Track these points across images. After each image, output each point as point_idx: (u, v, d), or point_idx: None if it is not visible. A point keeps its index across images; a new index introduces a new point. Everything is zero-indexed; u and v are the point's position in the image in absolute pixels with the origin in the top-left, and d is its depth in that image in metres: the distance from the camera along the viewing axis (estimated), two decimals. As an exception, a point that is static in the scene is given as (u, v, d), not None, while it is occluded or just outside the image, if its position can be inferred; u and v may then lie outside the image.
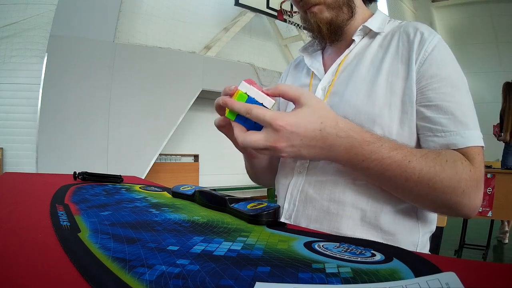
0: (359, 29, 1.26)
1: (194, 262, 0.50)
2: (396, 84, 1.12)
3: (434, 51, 1.11)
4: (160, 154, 7.53)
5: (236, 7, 8.12)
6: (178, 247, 0.57)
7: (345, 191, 1.10)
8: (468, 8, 11.38)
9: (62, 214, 0.78)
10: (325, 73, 1.31)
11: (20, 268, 0.46)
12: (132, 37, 7.31)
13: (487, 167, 4.84)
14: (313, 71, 1.37)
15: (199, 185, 1.20)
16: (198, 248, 0.57)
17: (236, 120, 0.93)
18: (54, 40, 6.21)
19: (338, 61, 1.29)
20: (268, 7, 8.54)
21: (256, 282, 0.43)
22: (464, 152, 1.03)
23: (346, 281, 0.44)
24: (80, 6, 6.44)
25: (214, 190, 1.05)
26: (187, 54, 7.74)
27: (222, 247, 0.58)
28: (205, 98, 8.05)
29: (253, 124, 0.92)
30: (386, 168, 0.96)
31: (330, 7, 1.23)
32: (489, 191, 4.18)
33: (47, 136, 6.09)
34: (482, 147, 1.06)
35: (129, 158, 6.66)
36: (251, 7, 8.28)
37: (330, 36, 1.28)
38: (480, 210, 4.16)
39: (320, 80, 1.31)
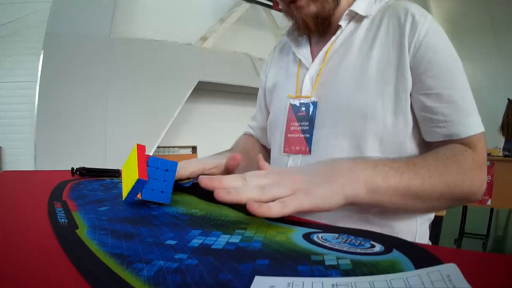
0: (345, 13, 1.21)
1: (192, 256, 0.50)
2: (387, 72, 1.10)
3: (428, 34, 1.07)
4: (158, 147, 7.54)
5: (232, -3, 8.12)
6: (176, 241, 0.57)
7: None
8: (465, -5, 11.39)
9: (60, 211, 0.78)
10: (313, 61, 1.28)
11: (18, 266, 0.46)
12: (128, 31, 7.30)
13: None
14: (300, 59, 1.33)
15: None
16: (196, 241, 0.57)
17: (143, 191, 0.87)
18: (50, 38, 6.20)
19: (325, 48, 1.25)
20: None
21: (255, 276, 0.42)
22: (466, 142, 1.03)
23: (346, 273, 0.43)
24: (75, 2, 6.43)
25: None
26: (183, 46, 7.74)
27: (221, 240, 0.58)
28: (202, 89, 8.05)
29: (162, 181, 0.89)
30: (400, 200, 0.92)
31: (314, 0, 1.18)
32: (488, 179, 4.18)
33: (45, 133, 6.09)
34: (483, 132, 1.06)
35: (127, 151, 6.61)
36: (246, -3, 8.28)
37: (318, 29, 1.24)
38: (480, 199, 4.18)
39: (307, 69, 1.27)
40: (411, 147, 1.11)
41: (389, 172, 0.89)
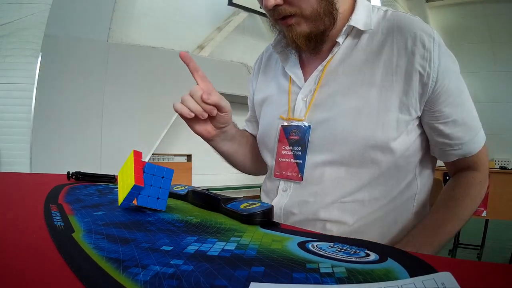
0: (344, 29, 1.11)
1: (188, 262, 0.50)
2: (390, 100, 1.04)
3: (441, 62, 1.03)
4: (153, 154, 7.52)
5: (230, 6, 8.11)
6: (172, 247, 0.57)
7: (330, 209, 1.08)
8: (463, 8, 11.35)
9: (56, 214, 0.78)
10: (305, 79, 1.19)
11: (14, 269, 0.46)
12: (126, 37, 7.30)
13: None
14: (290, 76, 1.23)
15: (192, 185, 1.19)
16: (192, 248, 0.57)
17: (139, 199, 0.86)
18: (48, 40, 6.20)
19: (320, 67, 1.16)
20: (261, 7, 8.52)
21: (251, 283, 0.42)
22: (475, 158, 1.14)
23: (341, 281, 0.44)
24: (74, 6, 6.43)
25: (207, 190, 1.04)
26: (181, 54, 7.74)
27: (216, 247, 0.58)
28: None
29: (158, 188, 0.88)
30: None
31: (308, 20, 1.08)
32: (483, 191, 4.20)
33: (41, 136, 6.08)
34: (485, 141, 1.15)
35: (122, 158, 6.59)
36: (244, 6, 8.26)
37: (309, 49, 1.14)
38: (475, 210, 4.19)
39: (300, 88, 1.19)
40: (407, 173, 1.13)
41: (441, 238, 1.07)
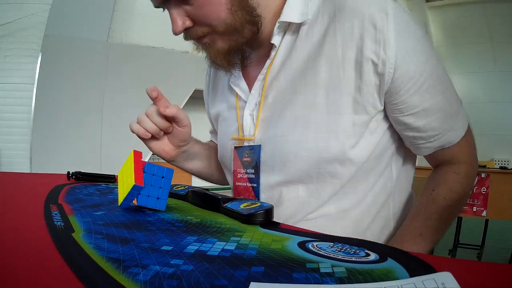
0: (276, 27, 0.98)
1: (188, 262, 0.50)
2: (340, 102, 0.92)
3: (400, 42, 0.87)
4: (153, 154, 7.52)
5: (230, 6, 8.11)
6: (172, 247, 0.57)
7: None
8: (463, 8, 11.36)
9: (56, 214, 0.78)
10: (250, 90, 1.09)
11: (14, 269, 0.46)
12: (126, 37, 7.31)
13: (482, 166, 4.87)
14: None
15: (192, 185, 1.18)
16: (192, 248, 0.57)
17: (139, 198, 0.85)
18: (48, 40, 6.22)
19: (261, 76, 1.05)
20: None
21: (251, 283, 0.42)
22: (456, 147, 1.01)
23: (341, 281, 0.43)
24: (74, 6, 6.45)
25: (207, 189, 1.04)
26: (180, 54, 7.74)
27: (216, 247, 0.58)
28: (198, 97, 8.06)
29: (158, 188, 0.87)
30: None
31: (224, 35, 0.96)
32: (483, 191, 4.20)
33: (41, 136, 6.10)
34: (468, 124, 1.04)
35: (122, 158, 6.59)
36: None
37: (235, 66, 1.05)
38: (475, 210, 4.19)
39: (246, 101, 1.10)
40: (379, 173, 1.02)
41: (425, 236, 1.01)
